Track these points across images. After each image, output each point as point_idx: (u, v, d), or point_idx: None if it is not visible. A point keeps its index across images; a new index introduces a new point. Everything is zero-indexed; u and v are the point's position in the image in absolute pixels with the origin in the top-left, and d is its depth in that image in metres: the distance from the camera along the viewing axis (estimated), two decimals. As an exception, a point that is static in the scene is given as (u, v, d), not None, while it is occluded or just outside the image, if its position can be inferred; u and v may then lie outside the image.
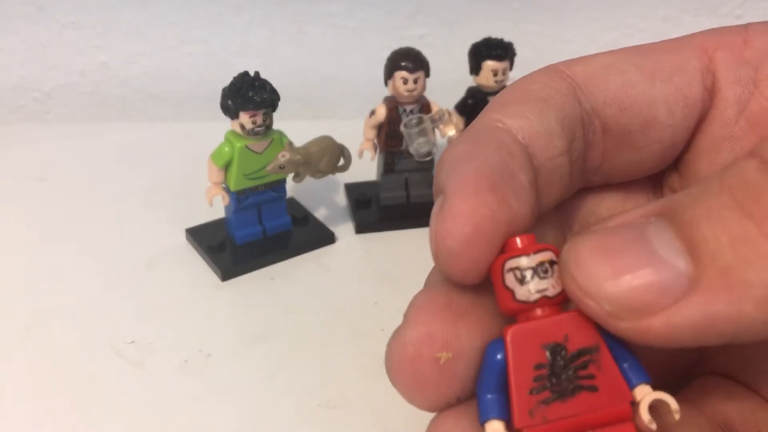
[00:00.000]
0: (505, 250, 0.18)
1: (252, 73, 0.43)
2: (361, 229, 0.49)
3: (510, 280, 0.18)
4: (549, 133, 0.20)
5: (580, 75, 0.21)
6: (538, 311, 0.18)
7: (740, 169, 0.16)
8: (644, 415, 0.17)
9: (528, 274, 0.17)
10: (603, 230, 0.17)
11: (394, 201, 0.50)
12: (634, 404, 0.17)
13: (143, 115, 0.67)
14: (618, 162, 0.22)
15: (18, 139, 0.62)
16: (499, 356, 0.18)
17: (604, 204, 0.23)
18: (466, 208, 0.17)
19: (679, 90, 0.21)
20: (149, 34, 0.65)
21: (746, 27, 0.22)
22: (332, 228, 0.48)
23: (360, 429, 0.34)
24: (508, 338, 0.17)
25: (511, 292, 0.18)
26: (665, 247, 0.16)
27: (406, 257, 0.46)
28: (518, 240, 0.18)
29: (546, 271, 0.17)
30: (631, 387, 0.17)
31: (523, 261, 0.17)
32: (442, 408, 0.19)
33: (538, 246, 0.18)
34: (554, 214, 0.22)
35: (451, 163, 0.19)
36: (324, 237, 0.48)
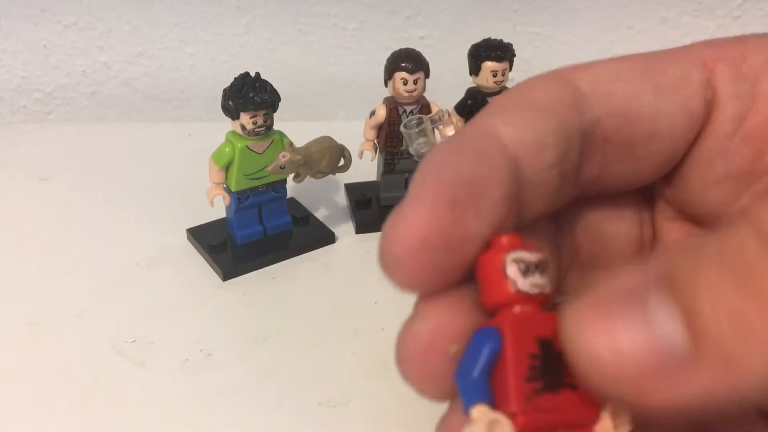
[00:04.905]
0: (493, 245, 0.18)
1: (253, 74, 0.43)
2: (361, 229, 0.49)
3: (513, 270, 0.18)
4: (542, 144, 0.19)
5: (585, 83, 0.21)
6: (526, 307, 0.18)
7: (738, 239, 0.16)
8: (606, 421, 0.17)
9: (532, 267, 0.18)
10: (603, 297, 0.17)
11: (394, 201, 0.50)
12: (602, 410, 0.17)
13: (144, 115, 0.67)
14: (615, 172, 0.21)
15: (19, 140, 0.63)
16: (492, 343, 0.18)
17: (597, 214, 0.23)
18: (418, 220, 0.17)
19: (683, 103, 0.21)
20: (150, 34, 0.65)
21: (742, 40, 0.21)
22: (332, 228, 0.48)
23: (360, 428, 0.34)
24: (511, 324, 0.18)
25: (513, 281, 0.18)
26: (665, 322, 0.16)
27: (405, 257, 0.46)
28: (509, 239, 0.18)
29: (543, 271, 0.18)
30: None
31: (527, 255, 0.18)
32: (453, 396, 0.19)
33: (536, 246, 0.18)
34: (547, 223, 0.22)
35: (425, 169, 0.18)
36: (324, 237, 0.48)
